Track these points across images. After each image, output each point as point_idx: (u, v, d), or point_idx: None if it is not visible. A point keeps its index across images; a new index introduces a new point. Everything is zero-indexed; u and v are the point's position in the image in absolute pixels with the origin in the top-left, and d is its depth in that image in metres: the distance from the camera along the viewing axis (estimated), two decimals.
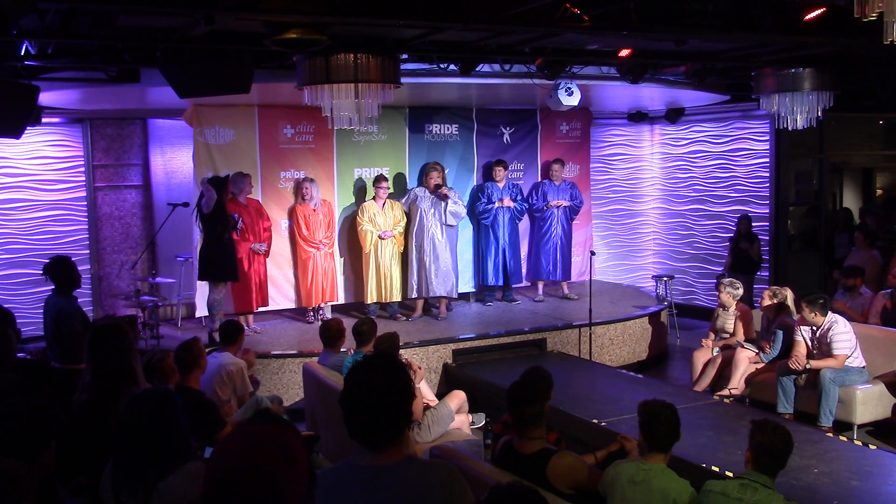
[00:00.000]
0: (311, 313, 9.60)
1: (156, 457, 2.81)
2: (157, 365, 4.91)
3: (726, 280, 8.32)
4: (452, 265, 9.83)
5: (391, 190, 9.91)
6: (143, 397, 2.96)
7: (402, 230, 9.78)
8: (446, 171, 10.28)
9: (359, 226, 9.61)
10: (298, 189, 9.50)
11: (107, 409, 3.83)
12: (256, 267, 9.18)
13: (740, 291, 8.23)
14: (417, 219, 9.73)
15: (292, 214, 9.51)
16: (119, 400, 3.79)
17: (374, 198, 9.70)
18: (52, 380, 5.20)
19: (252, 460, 1.68)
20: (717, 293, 8.35)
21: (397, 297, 9.83)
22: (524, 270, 10.95)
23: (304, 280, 9.47)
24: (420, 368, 6.62)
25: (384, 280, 9.67)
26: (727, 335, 8.16)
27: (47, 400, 2.50)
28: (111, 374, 3.96)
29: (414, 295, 9.84)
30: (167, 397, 2.96)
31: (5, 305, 6.39)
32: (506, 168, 10.34)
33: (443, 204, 9.66)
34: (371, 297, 9.70)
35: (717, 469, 5.27)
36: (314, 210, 9.38)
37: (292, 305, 9.81)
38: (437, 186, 9.66)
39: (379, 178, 9.74)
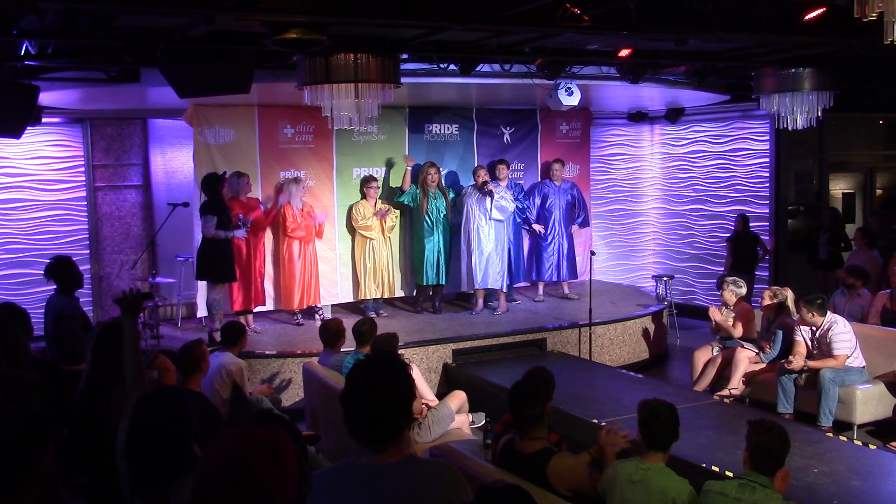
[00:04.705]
0: (299, 315, 9.59)
1: (169, 455, 2.80)
2: (148, 365, 4.90)
3: (730, 278, 8.32)
4: (500, 259, 9.89)
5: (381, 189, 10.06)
6: (153, 396, 2.96)
7: (393, 223, 9.98)
8: (444, 172, 10.36)
9: (356, 222, 9.76)
10: (282, 188, 9.43)
11: (99, 405, 3.84)
12: (258, 265, 9.20)
13: (743, 290, 8.23)
14: (465, 213, 9.88)
15: (280, 214, 9.33)
16: (110, 397, 3.80)
17: (364, 198, 9.81)
18: (62, 380, 5.19)
19: (240, 461, 1.69)
20: (720, 292, 8.34)
21: (389, 293, 10.02)
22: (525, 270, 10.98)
23: (290, 282, 9.37)
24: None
25: (378, 275, 9.83)
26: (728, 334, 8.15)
27: (44, 405, 2.49)
28: (105, 370, 3.97)
29: (464, 288, 10.14)
30: (176, 395, 2.96)
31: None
32: (488, 171, 10.12)
33: (487, 199, 9.69)
34: (368, 294, 9.84)
35: (716, 469, 5.28)
36: (301, 209, 9.33)
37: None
38: (485, 183, 9.72)
39: (368, 179, 9.84)
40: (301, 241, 9.33)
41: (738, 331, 8.02)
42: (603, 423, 6.21)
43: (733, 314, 8.15)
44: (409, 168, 9.88)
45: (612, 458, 4.35)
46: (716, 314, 8.15)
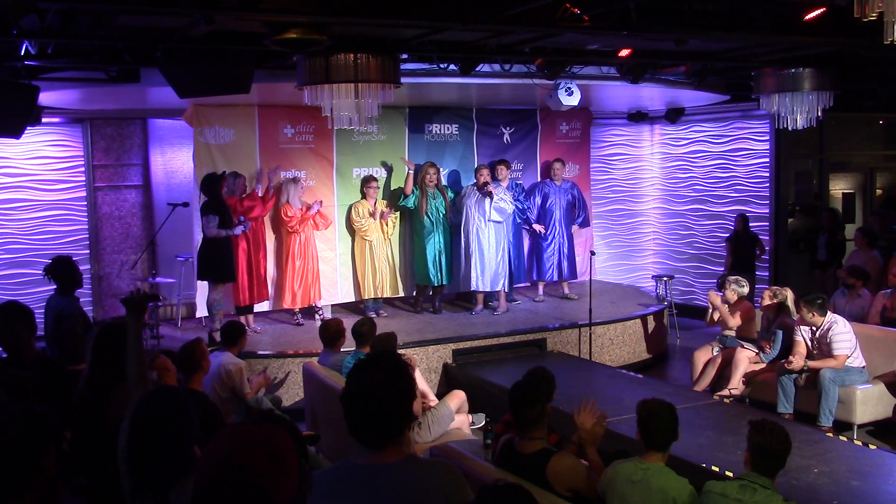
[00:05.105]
0: (299, 315, 9.59)
1: (170, 457, 2.80)
2: (148, 365, 4.89)
3: (732, 277, 8.33)
4: (499, 260, 9.90)
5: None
6: (153, 397, 2.95)
7: (394, 224, 10.01)
8: (444, 172, 10.39)
9: (355, 222, 9.79)
10: (281, 188, 9.42)
11: (98, 405, 3.83)
12: (261, 258, 9.22)
13: (745, 289, 8.23)
14: (464, 214, 9.86)
15: (278, 213, 9.36)
16: (110, 397, 3.80)
17: (364, 198, 9.82)
18: (64, 379, 5.19)
19: (239, 461, 1.69)
20: (722, 292, 8.34)
21: (389, 293, 10.05)
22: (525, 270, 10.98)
23: (290, 280, 9.38)
24: (413, 359, 6.52)
25: (378, 276, 9.87)
26: (730, 331, 8.14)
27: (45, 405, 2.48)
28: (104, 371, 3.97)
29: (461, 289, 10.17)
30: (176, 396, 2.96)
31: None
32: (490, 170, 10.10)
33: (486, 201, 9.69)
34: (368, 294, 9.87)
35: (716, 469, 5.28)
36: (300, 209, 9.33)
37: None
38: (486, 183, 9.71)
39: (368, 179, 9.86)
40: (301, 239, 9.34)
41: (736, 320, 8.01)
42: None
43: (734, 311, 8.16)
44: (412, 172, 9.87)
45: (592, 452, 4.33)
46: (714, 298, 8.17)
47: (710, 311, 8.34)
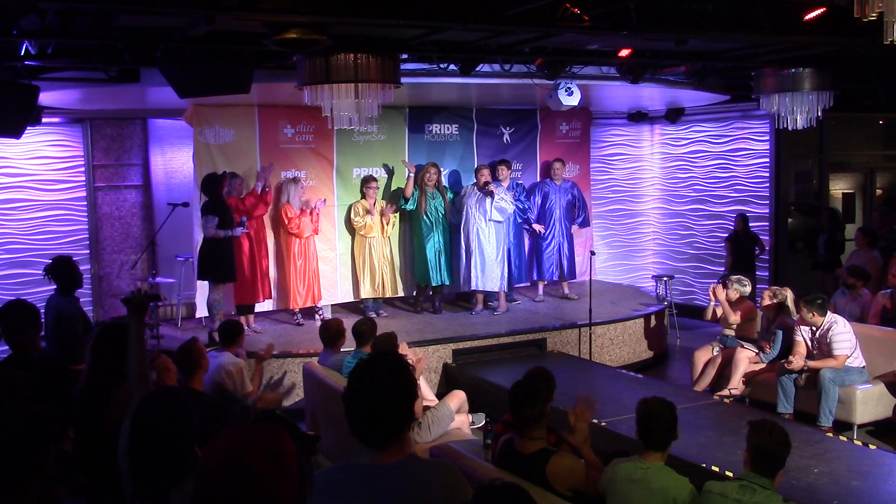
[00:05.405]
0: (299, 315, 9.59)
1: (170, 458, 2.79)
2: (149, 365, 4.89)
3: (734, 276, 8.33)
4: (499, 260, 9.89)
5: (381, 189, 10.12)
6: (153, 398, 2.95)
7: (394, 221, 10.04)
8: (443, 172, 10.38)
9: (355, 222, 9.80)
10: (281, 188, 9.43)
11: (98, 405, 3.84)
12: (262, 258, 9.22)
13: (748, 289, 8.23)
14: (464, 214, 9.86)
15: (279, 214, 9.37)
16: (110, 397, 3.80)
17: (363, 197, 9.83)
18: (66, 379, 5.19)
19: (240, 461, 1.69)
20: (724, 291, 8.34)
21: (389, 293, 10.06)
22: (525, 270, 10.98)
23: (291, 281, 9.37)
24: (420, 361, 6.46)
25: (378, 275, 9.88)
26: (730, 331, 8.14)
27: (45, 405, 2.48)
28: (104, 371, 3.97)
29: (461, 289, 10.18)
30: (177, 397, 2.96)
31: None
32: (491, 170, 10.12)
33: (487, 200, 9.68)
34: (368, 293, 9.89)
35: (716, 469, 5.28)
36: (301, 210, 9.33)
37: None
38: (486, 183, 9.70)
39: (368, 179, 9.87)
40: (301, 240, 9.34)
41: (736, 317, 8.02)
42: (603, 423, 6.22)
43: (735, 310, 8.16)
44: (413, 175, 9.86)
45: (588, 451, 4.32)
46: (719, 293, 8.15)
47: (711, 305, 8.34)
